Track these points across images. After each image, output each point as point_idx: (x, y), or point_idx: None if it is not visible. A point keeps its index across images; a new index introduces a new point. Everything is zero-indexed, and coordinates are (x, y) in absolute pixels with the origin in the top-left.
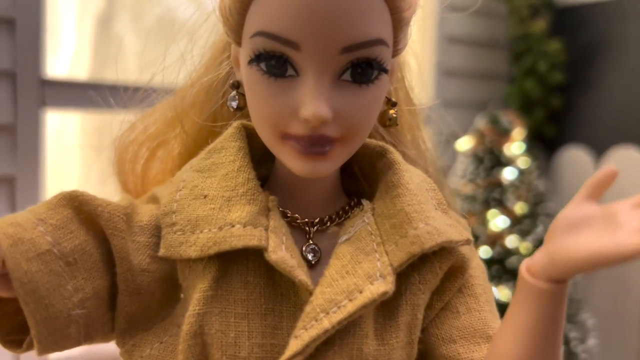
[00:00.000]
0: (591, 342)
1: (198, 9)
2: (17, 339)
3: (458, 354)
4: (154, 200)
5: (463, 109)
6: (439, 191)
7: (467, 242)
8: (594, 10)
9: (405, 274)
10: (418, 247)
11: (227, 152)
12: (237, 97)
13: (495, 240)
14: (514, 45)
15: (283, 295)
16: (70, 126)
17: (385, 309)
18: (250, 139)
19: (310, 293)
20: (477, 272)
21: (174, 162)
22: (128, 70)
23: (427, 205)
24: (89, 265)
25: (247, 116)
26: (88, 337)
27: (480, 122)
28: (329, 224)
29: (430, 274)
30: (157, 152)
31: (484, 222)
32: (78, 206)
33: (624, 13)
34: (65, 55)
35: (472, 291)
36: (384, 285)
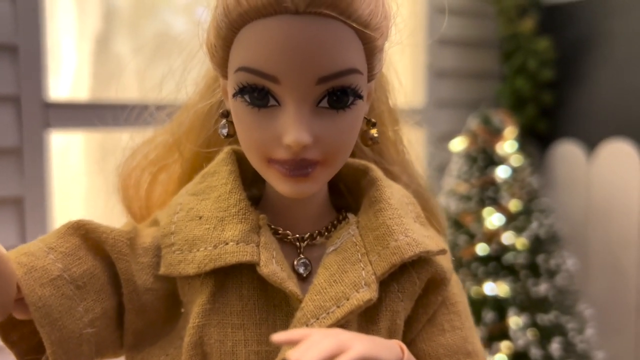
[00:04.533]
0: (589, 332)
1: (194, 38)
2: (35, 358)
3: None
4: (156, 223)
5: (456, 109)
6: (418, 205)
7: (442, 251)
8: (580, 7)
9: (385, 283)
10: (399, 257)
11: (219, 176)
12: (227, 125)
13: (491, 237)
14: (503, 44)
15: (276, 306)
16: (74, 145)
17: (367, 315)
18: (241, 162)
19: (300, 302)
20: (457, 289)
21: (175, 185)
22: (127, 88)
23: (407, 218)
24: (97, 287)
25: (238, 141)
26: (99, 353)
27: (473, 123)
28: (318, 238)
29: (409, 283)
30: (159, 177)
31: (479, 220)
32: (85, 234)
33: (609, 9)
34: (66, 76)
35: (455, 308)
36: (368, 293)
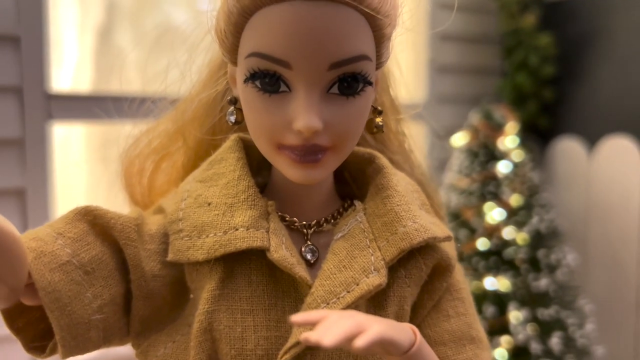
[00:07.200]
0: (589, 327)
1: (197, 27)
2: (40, 345)
3: (447, 356)
4: (161, 211)
5: (457, 105)
6: (422, 193)
7: (448, 238)
8: (581, 3)
9: (393, 269)
10: (407, 243)
11: (227, 163)
12: (234, 112)
13: (492, 232)
14: (505, 40)
15: (284, 292)
16: (75, 137)
17: (375, 300)
18: (247, 150)
19: (310, 287)
20: (461, 277)
21: (178, 173)
22: (129, 80)
23: (413, 205)
24: (106, 273)
25: (244, 129)
26: (107, 340)
27: (474, 118)
28: (324, 224)
29: (415, 269)
30: (162, 164)
31: (480, 215)
32: (93, 220)
33: (610, 5)
34: (68, 68)
35: (459, 295)
36: (378, 278)
